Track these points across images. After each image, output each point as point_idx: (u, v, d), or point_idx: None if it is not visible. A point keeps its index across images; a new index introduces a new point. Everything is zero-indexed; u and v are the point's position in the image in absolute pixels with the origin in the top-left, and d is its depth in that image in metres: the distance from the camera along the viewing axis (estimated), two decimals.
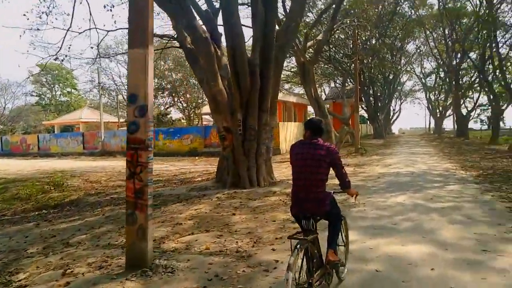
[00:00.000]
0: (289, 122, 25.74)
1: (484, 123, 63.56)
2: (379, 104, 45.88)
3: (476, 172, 11.06)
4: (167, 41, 15.32)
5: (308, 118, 4.10)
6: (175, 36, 12.07)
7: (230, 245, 4.89)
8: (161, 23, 57.49)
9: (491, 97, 28.71)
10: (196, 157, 23.70)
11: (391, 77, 45.09)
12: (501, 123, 55.44)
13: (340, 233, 3.49)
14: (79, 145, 31.77)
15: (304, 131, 3.42)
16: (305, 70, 18.63)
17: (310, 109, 47.65)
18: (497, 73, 27.45)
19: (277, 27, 11.53)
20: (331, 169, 3.29)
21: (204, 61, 9.74)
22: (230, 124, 10.15)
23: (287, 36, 11.07)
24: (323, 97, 37.27)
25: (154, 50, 6.17)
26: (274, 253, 4.56)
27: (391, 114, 63.95)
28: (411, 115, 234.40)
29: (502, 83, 25.29)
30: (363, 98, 39.45)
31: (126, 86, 42.05)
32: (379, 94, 44.37)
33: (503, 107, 29.38)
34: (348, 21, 22.17)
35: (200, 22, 10.16)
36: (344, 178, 3.35)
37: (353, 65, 32.42)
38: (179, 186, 10.95)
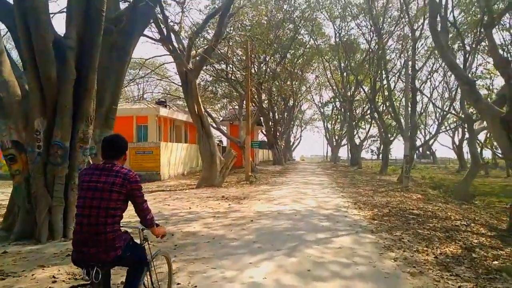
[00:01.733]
0: (175, 143, 22.26)
1: (374, 153, 68.62)
2: (280, 129, 45.43)
3: (371, 212, 9.00)
4: None
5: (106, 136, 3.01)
6: None
7: None
8: None
9: (381, 128, 29.33)
10: None
11: (291, 104, 45.11)
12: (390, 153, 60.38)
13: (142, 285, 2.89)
14: None
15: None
16: (188, 81, 15.66)
17: (215, 132, 45.23)
18: (386, 104, 28.12)
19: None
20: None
21: None
22: (22, 138, 6.41)
23: (137, 18, 7.91)
24: (219, 119, 34.84)
25: None
26: None
27: (293, 140, 65.12)
28: (312, 142, 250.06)
29: (391, 114, 25.69)
30: (262, 122, 38.17)
31: None
32: (279, 119, 43.80)
33: (391, 138, 30.28)
34: (238, 34, 20.13)
35: None
36: (144, 215, 2.82)
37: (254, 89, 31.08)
38: None
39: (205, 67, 29.96)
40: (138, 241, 2.95)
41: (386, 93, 26.07)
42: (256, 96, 30.19)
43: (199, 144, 15.85)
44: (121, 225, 2.74)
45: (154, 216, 2.91)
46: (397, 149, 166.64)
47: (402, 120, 20.52)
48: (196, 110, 15.79)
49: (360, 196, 12.12)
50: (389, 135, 30.77)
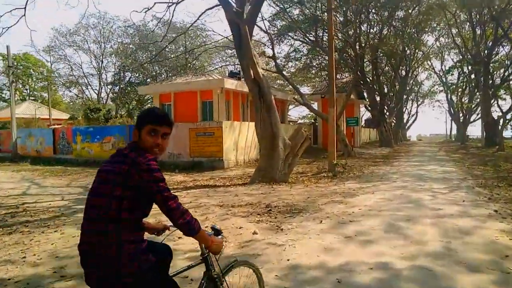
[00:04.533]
0: (244, 123, 17.97)
1: None
2: (389, 103, 37.73)
3: None
4: None
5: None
6: None
7: None
8: None
9: None
10: None
11: (403, 73, 36.85)
12: None
13: None
14: None
15: None
16: (241, 34, 11.11)
17: (303, 108, 39.46)
18: None
19: None
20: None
21: None
22: None
23: None
24: (304, 90, 29.22)
25: None
26: None
27: (407, 117, 55.48)
28: (431, 120, 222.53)
29: None
30: (365, 96, 31.50)
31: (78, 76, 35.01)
32: (388, 92, 36.18)
33: None
34: None
35: None
36: (175, 217, 1.86)
37: (351, 51, 24.80)
38: None
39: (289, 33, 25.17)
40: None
41: None
42: (351, 59, 23.92)
43: (256, 121, 11.23)
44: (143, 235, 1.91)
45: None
46: None
47: None
48: (252, 73, 11.14)
49: None
50: None
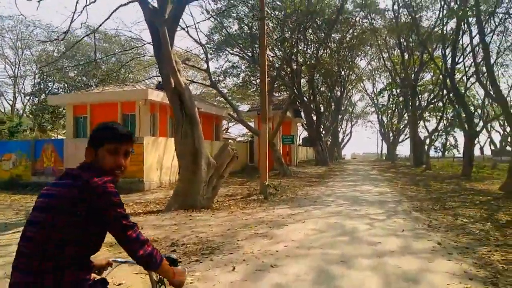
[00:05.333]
0: (170, 139, 16.27)
1: (439, 150, 58.40)
2: (325, 123, 38.23)
3: None
4: None
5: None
6: None
7: None
8: None
9: (463, 115, 21.34)
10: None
11: (338, 94, 37.71)
12: (455, 151, 50.38)
13: None
14: None
15: None
16: (160, 37, 9.66)
17: (240, 127, 38.50)
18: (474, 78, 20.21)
19: None
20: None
21: None
22: None
23: None
24: (244, 108, 28.36)
25: None
26: None
27: (342, 136, 57.14)
28: (364, 139, 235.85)
29: (489, 88, 17.92)
30: (302, 115, 31.39)
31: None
32: (324, 111, 36.67)
33: (478, 129, 22.24)
34: None
35: None
36: (135, 249, 1.61)
37: (288, 69, 24.42)
38: None
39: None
40: None
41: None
42: (288, 76, 23.54)
43: (176, 137, 9.70)
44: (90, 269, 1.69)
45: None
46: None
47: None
48: (173, 82, 9.67)
49: (476, 237, 5.37)
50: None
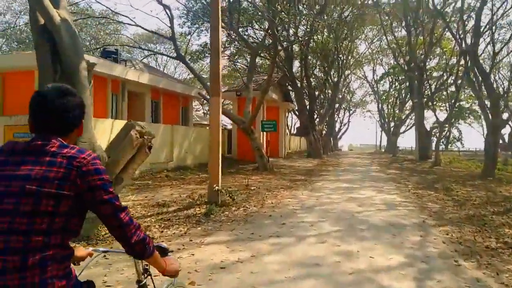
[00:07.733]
0: (112, 120, 12.05)
1: (442, 143, 54.34)
2: (320, 110, 34.10)
3: None
4: None
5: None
6: None
7: None
8: None
9: (487, 103, 17.31)
10: None
11: (335, 79, 33.34)
12: (458, 144, 46.41)
13: None
14: None
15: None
16: None
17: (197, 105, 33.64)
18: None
19: None
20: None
21: None
22: None
23: None
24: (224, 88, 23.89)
25: None
26: None
27: (339, 126, 52.96)
28: (362, 130, 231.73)
29: None
30: (293, 99, 27.28)
31: None
32: (318, 95, 32.55)
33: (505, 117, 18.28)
34: None
35: None
36: (128, 234, 1.36)
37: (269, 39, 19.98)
38: None
39: None
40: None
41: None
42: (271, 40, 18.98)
43: None
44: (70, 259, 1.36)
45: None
46: (470, 138, 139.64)
47: None
48: (42, 19, 5.57)
49: None
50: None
